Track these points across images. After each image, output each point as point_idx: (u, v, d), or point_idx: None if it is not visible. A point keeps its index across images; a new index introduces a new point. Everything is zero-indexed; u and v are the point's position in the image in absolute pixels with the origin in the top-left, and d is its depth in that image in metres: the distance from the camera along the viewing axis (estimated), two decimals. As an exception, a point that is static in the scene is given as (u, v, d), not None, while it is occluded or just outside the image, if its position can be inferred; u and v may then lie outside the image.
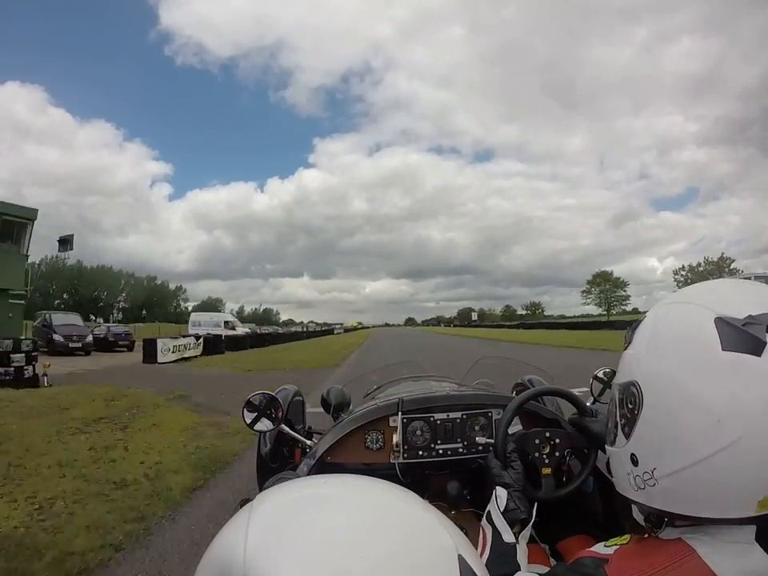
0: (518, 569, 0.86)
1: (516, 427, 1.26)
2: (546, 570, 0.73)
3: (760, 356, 0.52)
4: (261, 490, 0.86)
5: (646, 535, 0.64)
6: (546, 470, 1.13)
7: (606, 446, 0.71)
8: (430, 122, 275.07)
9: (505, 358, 2.38)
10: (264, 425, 1.46)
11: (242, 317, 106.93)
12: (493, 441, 1.27)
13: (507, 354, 16.55)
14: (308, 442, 1.51)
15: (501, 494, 1.00)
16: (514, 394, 1.66)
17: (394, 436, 1.34)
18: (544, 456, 1.16)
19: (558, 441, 1.17)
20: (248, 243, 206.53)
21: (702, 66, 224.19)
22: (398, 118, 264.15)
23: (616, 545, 0.63)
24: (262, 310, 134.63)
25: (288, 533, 0.40)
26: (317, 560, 0.38)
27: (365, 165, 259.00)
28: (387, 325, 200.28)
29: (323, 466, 1.33)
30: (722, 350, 0.53)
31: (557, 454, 1.17)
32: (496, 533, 0.93)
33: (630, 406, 0.62)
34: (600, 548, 0.64)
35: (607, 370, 1.46)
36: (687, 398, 0.54)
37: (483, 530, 0.97)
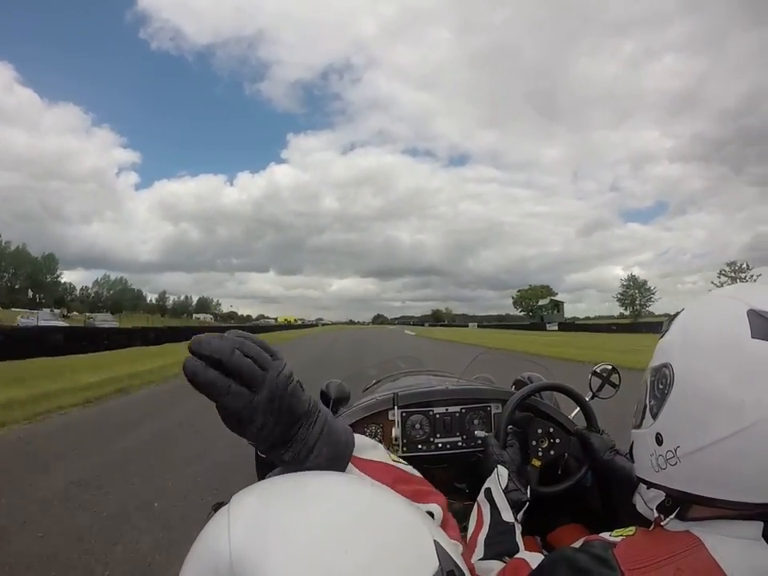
0: (518, 549, 0.87)
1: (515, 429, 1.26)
2: (541, 558, 0.72)
3: None
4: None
5: (652, 528, 0.65)
6: (536, 462, 1.15)
7: (632, 431, 0.73)
8: (408, 123, 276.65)
9: (505, 353, 2.31)
10: None
11: (163, 306, 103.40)
12: (492, 434, 1.28)
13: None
14: None
15: (502, 472, 1.01)
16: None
17: (393, 430, 1.34)
18: (539, 449, 1.18)
19: (557, 441, 1.19)
20: (215, 236, 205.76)
21: (684, 84, 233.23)
22: (375, 118, 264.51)
23: (622, 535, 0.64)
24: (196, 300, 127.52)
25: (272, 530, 0.40)
26: (303, 556, 0.38)
27: (338, 163, 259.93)
28: (352, 322, 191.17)
29: None
30: (752, 337, 0.56)
31: (552, 452, 1.18)
32: (495, 510, 0.94)
33: (660, 387, 0.64)
34: (606, 536, 0.65)
35: (607, 366, 1.47)
36: (715, 378, 0.57)
37: (479, 506, 0.98)
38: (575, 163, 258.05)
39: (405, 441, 1.35)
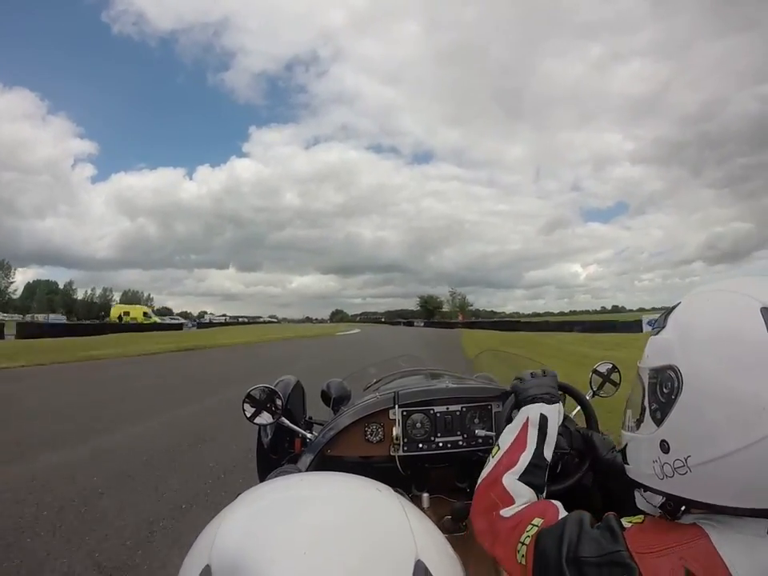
0: (545, 489, 0.87)
1: None
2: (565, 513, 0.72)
3: None
4: (261, 481, 0.90)
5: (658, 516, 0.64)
6: None
7: (625, 433, 0.71)
8: (373, 119, 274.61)
9: (505, 352, 2.40)
10: (264, 418, 1.46)
11: (71, 304, 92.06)
12: (493, 434, 1.30)
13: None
14: (309, 435, 1.52)
15: (562, 411, 1.00)
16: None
17: (394, 429, 1.34)
18: None
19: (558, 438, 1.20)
20: (173, 232, 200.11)
21: (648, 89, 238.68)
22: (339, 113, 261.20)
23: (631, 522, 0.63)
24: (119, 295, 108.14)
25: (250, 531, 0.42)
26: (266, 560, 0.39)
27: (300, 158, 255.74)
28: (308, 320, 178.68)
29: (323, 459, 1.34)
30: None
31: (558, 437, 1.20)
32: (542, 441, 0.91)
33: (665, 391, 0.60)
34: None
35: (608, 364, 1.48)
36: (731, 386, 0.53)
37: (527, 426, 0.93)
38: (538, 162, 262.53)
39: (405, 440, 1.35)
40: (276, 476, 0.95)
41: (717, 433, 0.54)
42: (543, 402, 0.98)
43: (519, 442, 0.91)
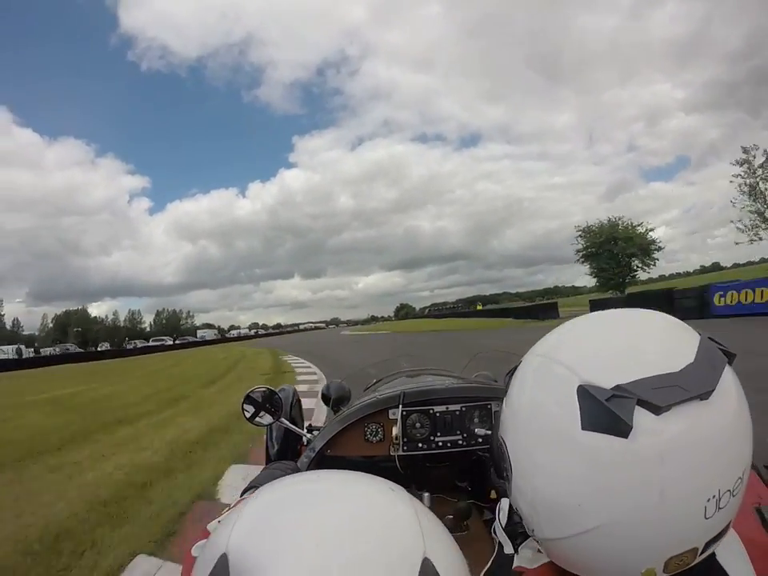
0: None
1: None
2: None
3: (626, 438, 0.44)
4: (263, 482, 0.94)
5: None
6: None
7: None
8: (412, 109, 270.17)
9: (504, 351, 2.27)
10: (263, 419, 1.47)
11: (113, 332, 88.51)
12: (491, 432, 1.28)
13: None
14: (308, 436, 1.54)
15: (504, 506, 0.98)
16: (505, 379, 1.58)
17: (394, 429, 1.34)
18: None
19: None
20: (235, 250, 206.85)
21: (687, 30, 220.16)
22: (378, 109, 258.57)
23: (536, 564, 0.61)
24: (167, 315, 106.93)
25: (266, 524, 0.44)
26: (281, 552, 0.40)
27: (348, 160, 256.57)
28: (373, 318, 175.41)
29: (323, 459, 1.35)
30: (582, 428, 0.46)
31: None
32: (500, 545, 0.91)
33: (504, 465, 0.57)
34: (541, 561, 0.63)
35: None
36: (548, 477, 0.50)
37: (494, 540, 0.96)
38: (588, 127, 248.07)
39: (405, 439, 1.35)
40: (271, 472, 0.96)
41: (545, 519, 0.52)
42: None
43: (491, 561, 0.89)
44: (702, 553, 0.48)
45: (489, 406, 1.40)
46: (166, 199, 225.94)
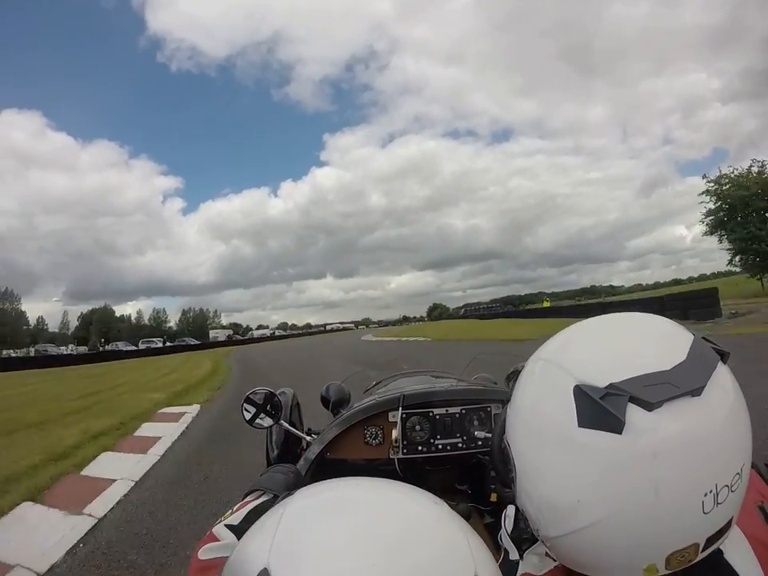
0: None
1: None
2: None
3: (620, 434, 0.46)
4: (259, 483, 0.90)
5: None
6: None
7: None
8: (443, 104, 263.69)
9: (503, 353, 2.32)
10: (263, 421, 1.47)
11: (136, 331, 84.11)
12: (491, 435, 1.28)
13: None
14: (308, 438, 1.53)
15: (510, 513, 0.99)
16: (509, 384, 1.51)
17: (393, 431, 1.34)
18: None
19: None
20: (267, 249, 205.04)
21: (720, 15, 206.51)
22: (409, 104, 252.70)
23: (544, 570, 0.62)
24: (193, 314, 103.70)
25: (312, 535, 0.41)
26: (330, 566, 0.38)
27: (379, 157, 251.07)
28: (405, 319, 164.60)
29: (323, 462, 1.34)
30: (578, 426, 0.48)
31: None
32: (505, 551, 0.94)
33: (509, 467, 0.59)
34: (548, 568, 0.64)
35: None
36: (547, 476, 0.52)
37: (500, 546, 0.99)
38: (622, 120, 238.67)
39: (405, 442, 1.35)
40: (272, 474, 0.96)
41: (547, 517, 0.53)
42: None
43: None
44: (703, 549, 0.49)
45: (489, 409, 1.39)
46: (198, 199, 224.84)
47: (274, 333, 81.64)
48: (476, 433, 1.34)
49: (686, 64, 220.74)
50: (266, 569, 0.39)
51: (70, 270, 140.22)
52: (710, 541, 0.49)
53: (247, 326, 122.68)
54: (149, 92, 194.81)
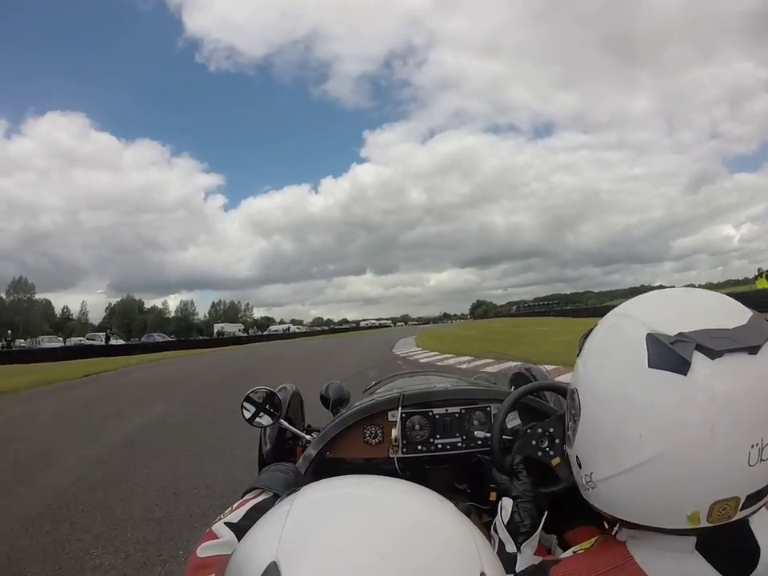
0: (533, 530, 0.91)
1: (514, 422, 1.28)
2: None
3: (685, 375, 0.52)
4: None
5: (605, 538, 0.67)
6: (556, 461, 1.14)
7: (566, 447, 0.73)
8: (483, 98, 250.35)
9: (503, 354, 2.24)
10: (263, 420, 1.49)
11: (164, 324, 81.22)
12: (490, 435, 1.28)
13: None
14: (307, 437, 1.54)
15: (506, 505, 1.01)
16: (512, 388, 1.74)
17: (393, 431, 1.35)
18: (547, 450, 1.17)
19: (552, 430, 1.19)
20: (308, 245, 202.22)
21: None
22: (448, 99, 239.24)
23: (580, 549, 0.66)
24: (224, 307, 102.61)
25: (321, 530, 0.42)
26: (339, 561, 0.38)
27: (419, 153, 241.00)
28: (446, 316, 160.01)
29: (322, 461, 1.35)
30: (648, 366, 0.54)
31: (557, 441, 1.18)
32: (501, 543, 0.95)
33: (573, 412, 0.65)
34: (569, 552, 0.68)
35: None
36: (615, 410, 0.57)
37: (492, 538, 0.98)
38: (667, 112, 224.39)
39: (405, 442, 1.37)
40: (272, 473, 0.98)
41: (607, 454, 0.58)
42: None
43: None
44: (742, 507, 0.53)
45: (488, 409, 1.41)
46: (240, 196, 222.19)
47: (288, 329, 75.75)
48: (476, 432, 1.35)
49: (731, 52, 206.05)
50: (274, 562, 0.39)
51: (114, 264, 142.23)
52: (750, 499, 0.53)
53: (289, 321, 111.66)
54: (188, 92, 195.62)
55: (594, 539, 0.67)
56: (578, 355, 0.68)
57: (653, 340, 0.55)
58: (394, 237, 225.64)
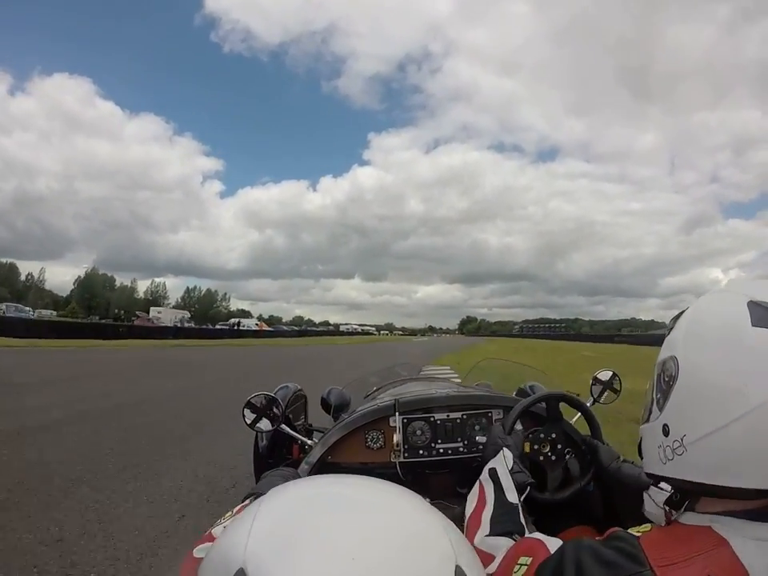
0: (524, 529, 0.87)
1: (516, 428, 1.28)
2: (559, 543, 0.71)
3: None
4: (257, 484, 0.94)
5: (665, 524, 0.65)
6: (527, 448, 1.19)
7: (640, 426, 0.74)
8: (492, 115, 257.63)
9: (505, 360, 2.53)
10: (264, 425, 1.49)
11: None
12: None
13: None
14: (309, 441, 1.54)
15: (508, 454, 1.03)
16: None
17: (395, 436, 1.37)
18: (548, 454, 1.21)
19: (554, 435, 1.22)
20: (300, 243, 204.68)
21: None
22: (457, 111, 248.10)
23: (639, 531, 0.64)
24: (198, 294, 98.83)
25: (288, 533, 0.41)
26: (308, 565, 0.38)
27: (422, 162, 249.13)
28: (431, 329, 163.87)
29: (324, 466, 1.36)
30: (752, 325, 0.57)
31: (559, 446, 1.22)
32: (499, 490, 0.94)
33: (666, 379, 0.66)
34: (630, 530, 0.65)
35: (608, 372, 1.54)
36: (717, 366, 0.59)
37: (482, 485, 0.98)
38: (672, 151, 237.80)
39: (406, 446, 1.38)
40: (272, 479, 0.98)
41: (705, 411, 0.59)
42: (492, 455, 1.06)
43: (479, 503, 0.94)
44: None
45: (489, 414, 1.43)
46: (237, 184, 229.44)
47: (239, 323, 64.30)
48: (477, 437, 1.37)
49: (741, 98, 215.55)
50: (242, 569, 0.39)
51: (104, 239, 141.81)
52: None
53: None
54: (199, 70, 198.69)
55: (647, 525, 0.65)
56: (668, 332, 0.71)
57: (755, 305, 0.59)
58: (386, 244, 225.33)
